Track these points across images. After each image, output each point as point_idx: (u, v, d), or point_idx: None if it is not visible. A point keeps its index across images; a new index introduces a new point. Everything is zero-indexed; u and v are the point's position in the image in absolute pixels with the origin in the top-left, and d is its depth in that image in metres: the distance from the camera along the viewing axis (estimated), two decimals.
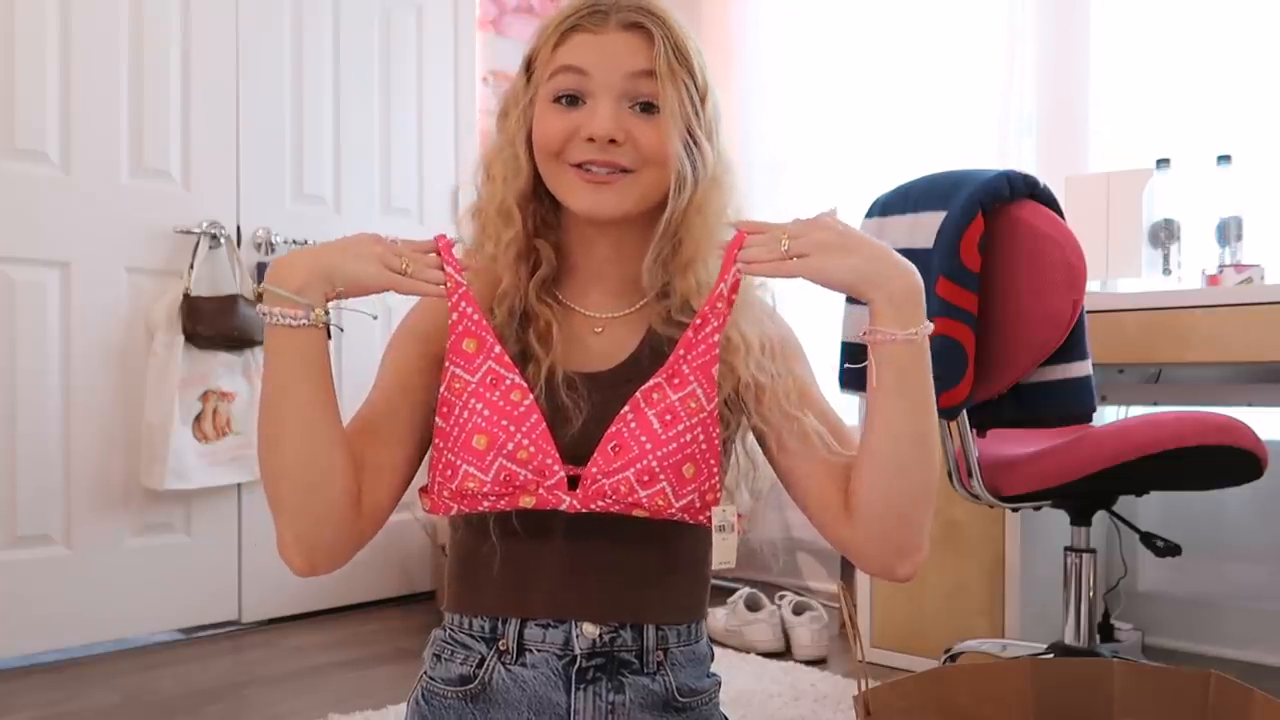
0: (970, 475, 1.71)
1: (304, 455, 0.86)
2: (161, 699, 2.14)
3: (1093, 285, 1.97)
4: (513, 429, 0.88)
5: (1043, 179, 1.64)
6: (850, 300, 1.78)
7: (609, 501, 0.87)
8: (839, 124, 3.11)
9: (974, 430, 1.71)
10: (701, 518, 0.89)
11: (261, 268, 2.71)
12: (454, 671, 0.96)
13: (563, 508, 0.88)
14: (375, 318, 1.09)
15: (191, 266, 2.56)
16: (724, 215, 0.96)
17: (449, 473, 0.88)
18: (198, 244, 2.58)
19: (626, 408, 0.89)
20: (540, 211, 0.99)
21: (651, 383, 0.90)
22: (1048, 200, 1.61)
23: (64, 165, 2.42)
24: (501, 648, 0.95)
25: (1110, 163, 2.57)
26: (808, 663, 2.35)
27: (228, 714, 2.05)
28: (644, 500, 0.87)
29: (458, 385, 0.90)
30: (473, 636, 0.96)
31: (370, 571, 2.93)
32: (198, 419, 2.55)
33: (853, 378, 1.77)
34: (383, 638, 2.61)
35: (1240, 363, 2.01)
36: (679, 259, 0.96)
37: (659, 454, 0.87)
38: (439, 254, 0.91)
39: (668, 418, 0.88)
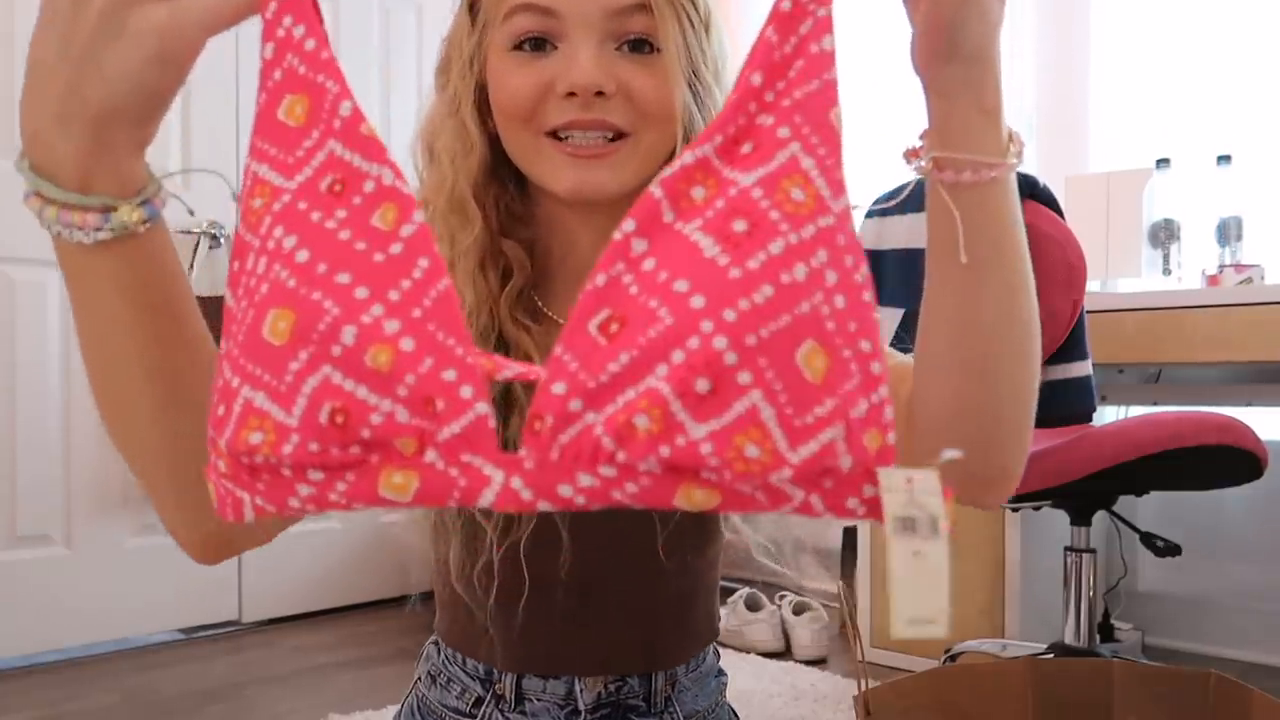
0: None
1: (164, 425, 0.54)
2: (161, 699, 2.14)
3: (1093, 285, 1.97)
4: (363, 293, 0.38)
5: (1043, 179, 1.64)
6: None
7: (585, 458, 0.37)
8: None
9: None
10: (855, 503, 0.39)
11: None
12: (449, 702, 0.85)
13: (485, 502, 0.37)
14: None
15: (191, 266, 2.55)
16: None
17: (220, 412, 0.41)
18: (198, 244, 2.58)
19: (630, 227, 0.40)
20: (504, 199, 0.75)
21: (695, 154, 0.41)
22: (1047, 200, 1.62)
23: None
24: (499, 692, 0.82)
25: (1110, 163, 2.57)
26: (808, 663, 2.35)
27: (228, 714, 2.05)
28: (708, 454, 0.35)
29: (259, 203, 0.43)
30: (468, 674, 0.84)
31: (370, 571, 2.93)
32: None
33: None
34: (383, 638, 2.61)
35: (1240, 363, 2.01)
36: None
37: (729, 317, 0.36)
38: None
39: (738, 226, 0.38)
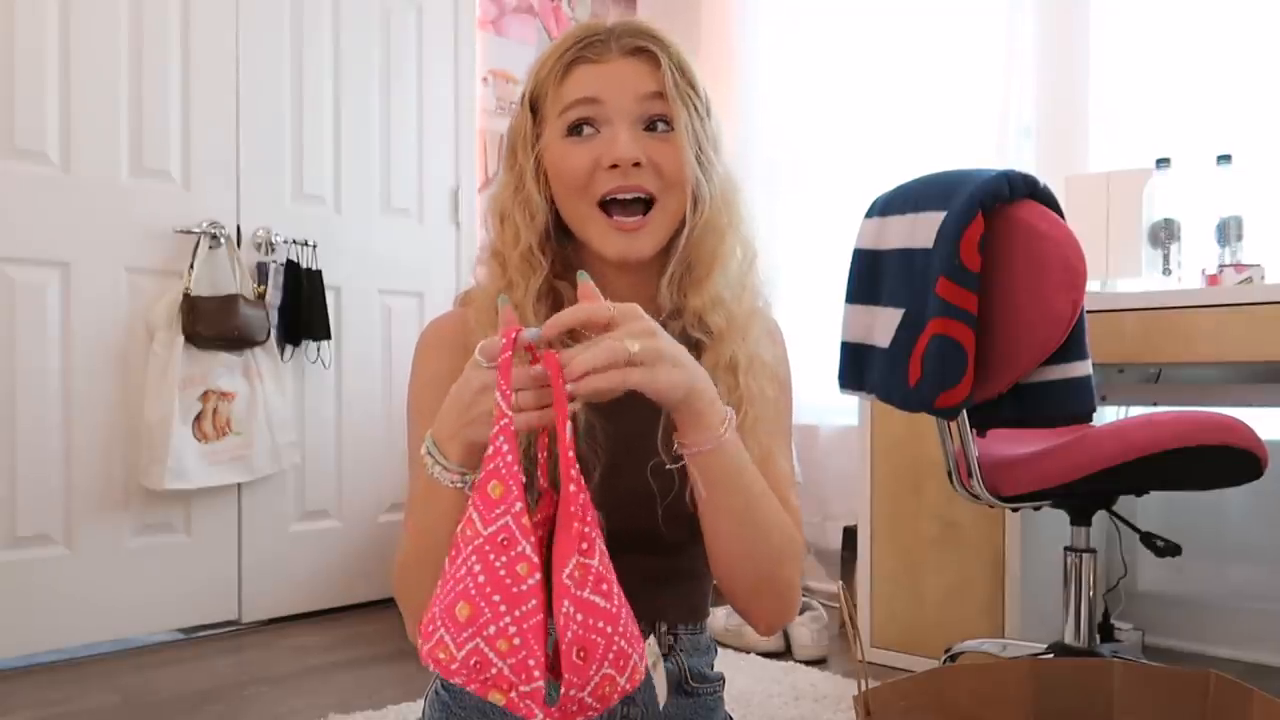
0: (970, 475, 1.71)
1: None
2: (161, 699, 2.14)
3: (1093, 285, 1.98)
4: (503, 609, 0.76)
5: (1043, 179, 1.64)
6: (850, 300, 1.78)
7: (591, 713, 0.79)
8: (838, 123, 3.11)
9: (974, 430, 1.71)
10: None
11: (261, 268, 2.72)
12: None
13: None
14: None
15: (191, 266, 2.56)
16: (736, 230, 0.99)
17: (430, 629, 0.79)
18: (198, 244, 2.58)
19: (567, 604, 0.78)
20: (561, 251, 1.00)
21: (570, 565, 0.80)
22: (1048, 200, 1.61)
23: (64, 165, 2.42)
24: None
25: (1110, 163, 2.57)
26: (808, 663, 2.35)
27: (228, 714, 2.05)
28: (627, 687, 0.79)
29: (469, 532, 0.80)
30: None
31: (370, 572, 2.93)
32: (198, 419, 2.55)
33: (853, 378, 1.77)
34: (383, 638, 2.61)
35: (1240, 363, 2.01)
36: (693, 276, 0.98)
37: (620, 628, 0.79)
38: (498, 373, 0.81)
39: (604, 587, 0.79)
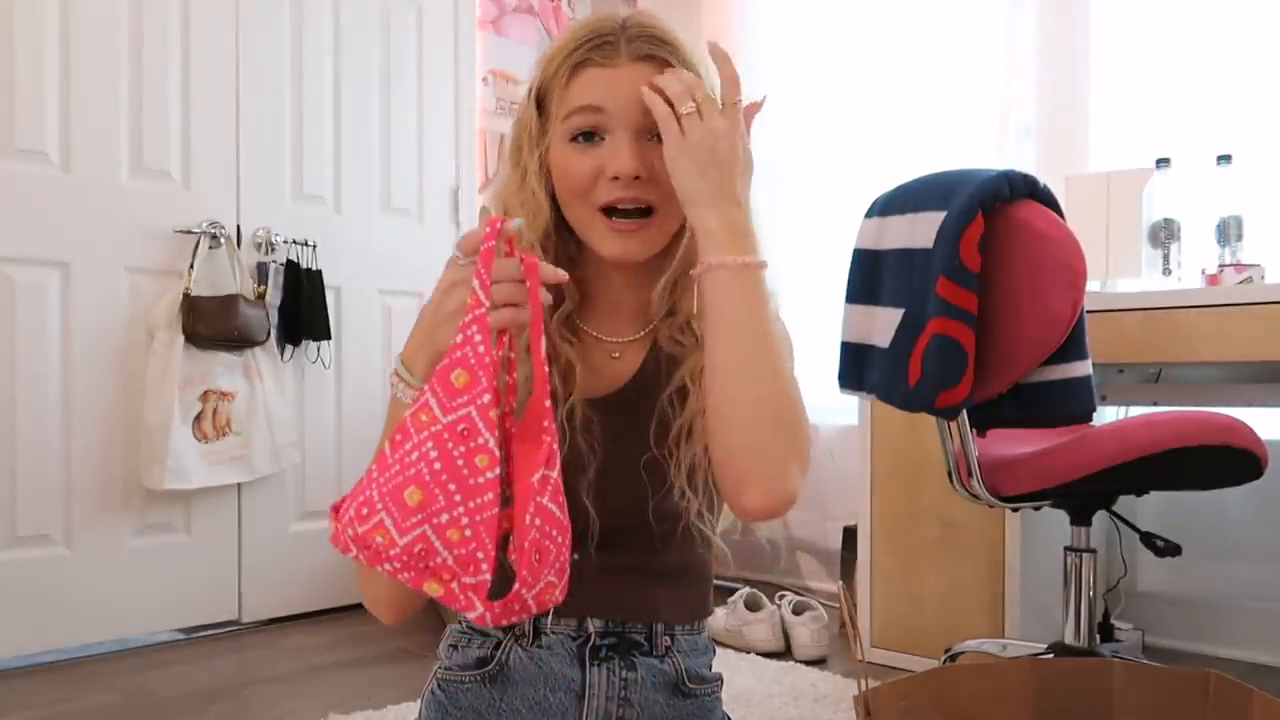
0: (970, 475, 1.71)
1: None
2: (161, 699, 2.14)
3: (1093, 285, 1.98)
4: (458, 498, 0.75)
5: (1043, 179, 1.64)
6: (850, 300, 1.78)
7: (527, 615, 0.79)
8: (839, 123, 3.11)
9: (974, 430, 1.71)
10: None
11: (261, 268, 2.72)
12: (471, 656, 0.99)
13: (471, 617, 0.76)
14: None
15: (191, 266, 2.56)
16: None
17: (365, 512, 0.76)
18: (198, 244, 2.58)
19: (531, 510, 0.78)
20: (563, 248, 1.00)
21: (539, 475, 0.81)
22: (1048, 200, 1.61)
23: (64, 165, 2.42)
24: (518, 633, 0.98)
25: (1110, 162, 2.57)
26: (808, 663, 2.35)
27: (228, 714, 2.05)
28: (559, 597, 0.80)
29: (424, 418, 0.78)
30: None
31: None
32: (198, 419, 2.55)
33: (853, 378, 1.77)
34: (383, 638, 2.61)
35: (1240, 363, 2.01)
36: (688, 280, 0.98)
37: (566, 541, 0.80)
38: (479, 261, 0.80)
39: (560, 499, 0.80)
